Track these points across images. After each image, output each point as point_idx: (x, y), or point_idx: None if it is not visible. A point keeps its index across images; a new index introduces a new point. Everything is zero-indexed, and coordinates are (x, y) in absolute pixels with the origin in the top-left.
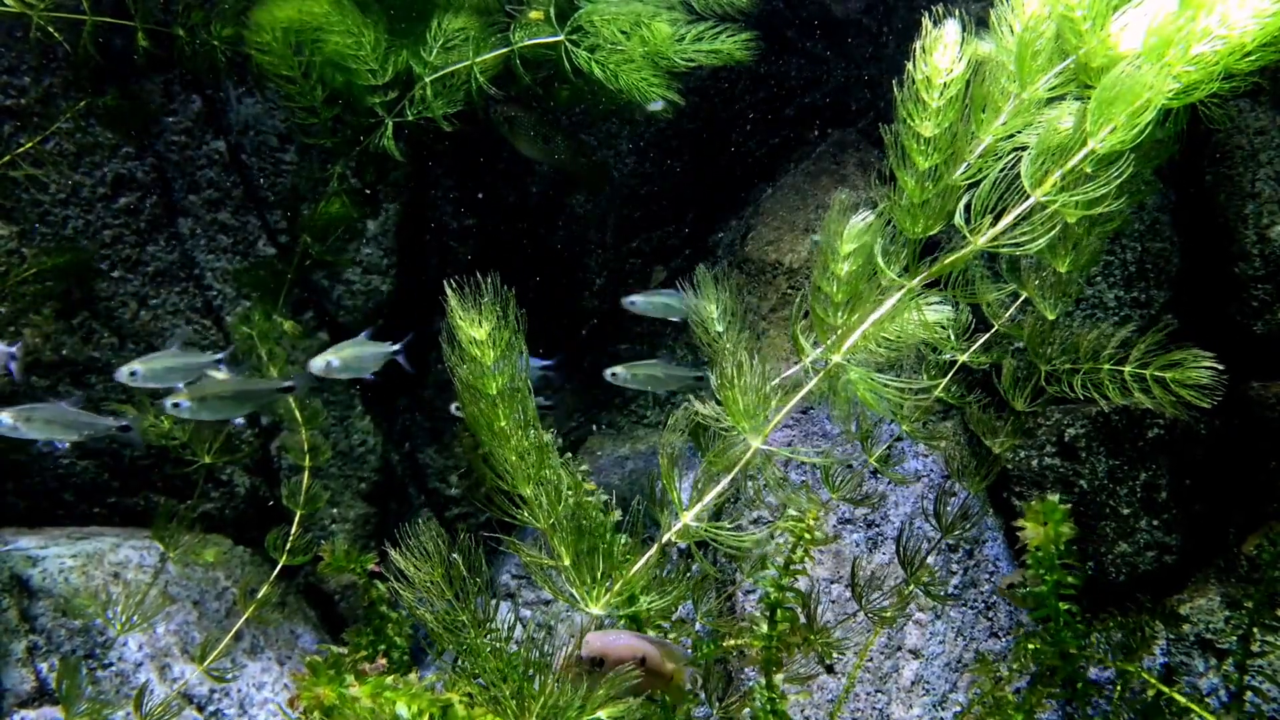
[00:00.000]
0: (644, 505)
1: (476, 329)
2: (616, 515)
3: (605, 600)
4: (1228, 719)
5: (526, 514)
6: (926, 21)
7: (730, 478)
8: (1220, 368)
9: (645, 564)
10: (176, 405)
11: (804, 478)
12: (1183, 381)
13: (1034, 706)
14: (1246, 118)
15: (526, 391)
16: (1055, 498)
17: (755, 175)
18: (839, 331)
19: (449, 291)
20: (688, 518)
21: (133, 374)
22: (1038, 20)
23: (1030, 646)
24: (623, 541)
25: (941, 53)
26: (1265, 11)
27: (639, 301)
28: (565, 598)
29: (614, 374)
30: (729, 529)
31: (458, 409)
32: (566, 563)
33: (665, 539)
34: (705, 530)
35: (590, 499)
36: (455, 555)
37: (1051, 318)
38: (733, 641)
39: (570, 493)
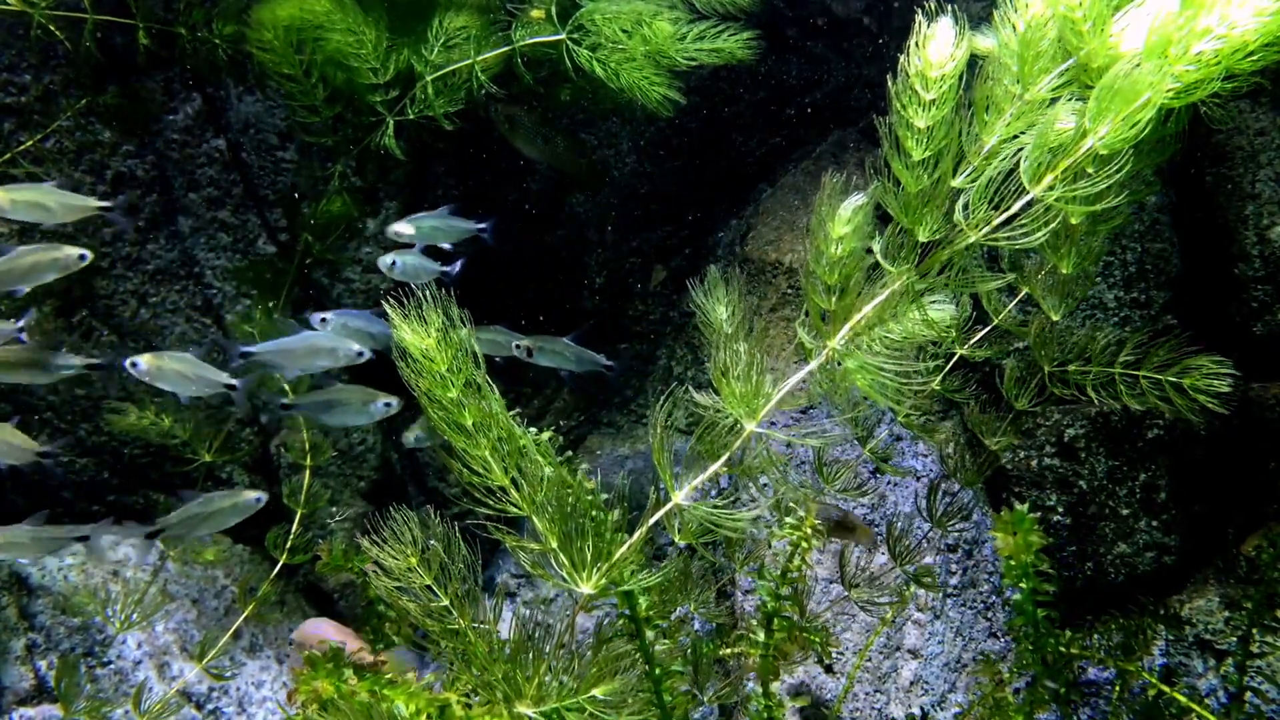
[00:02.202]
0: (641, 498)
1: (424, 339)
2: (615, 515)
3: (595, 580)
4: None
5: (505, 502)
6: (920, 17)
7: (724, 459)
8: (1238, 374)
9: (635, 542)
10: (134, 365)
11: (803, 477)
12: (1200, 388)
13: (1034, 707)
14: (1247, 118)
15: (489, 387)
16: (1024, 508)
17: (755, 175)
18: (834, 316)
19: (388, 309)
20: (678, 496)
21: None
22: (1040, 22)
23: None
24: (612, 521)
25: (935, 47)
26: (1265, 10)
27: (404, 231)
28: (554, 579)
29: (519, 345)
30: (721, 506)
31: (417, 440)
32: (554, 544)
33: (655, 517)
34: (695, 509)
35: (576, 481)
36: (433, 541)
37: (1056, 318)
38: (730, 650)
39: (551, 471)
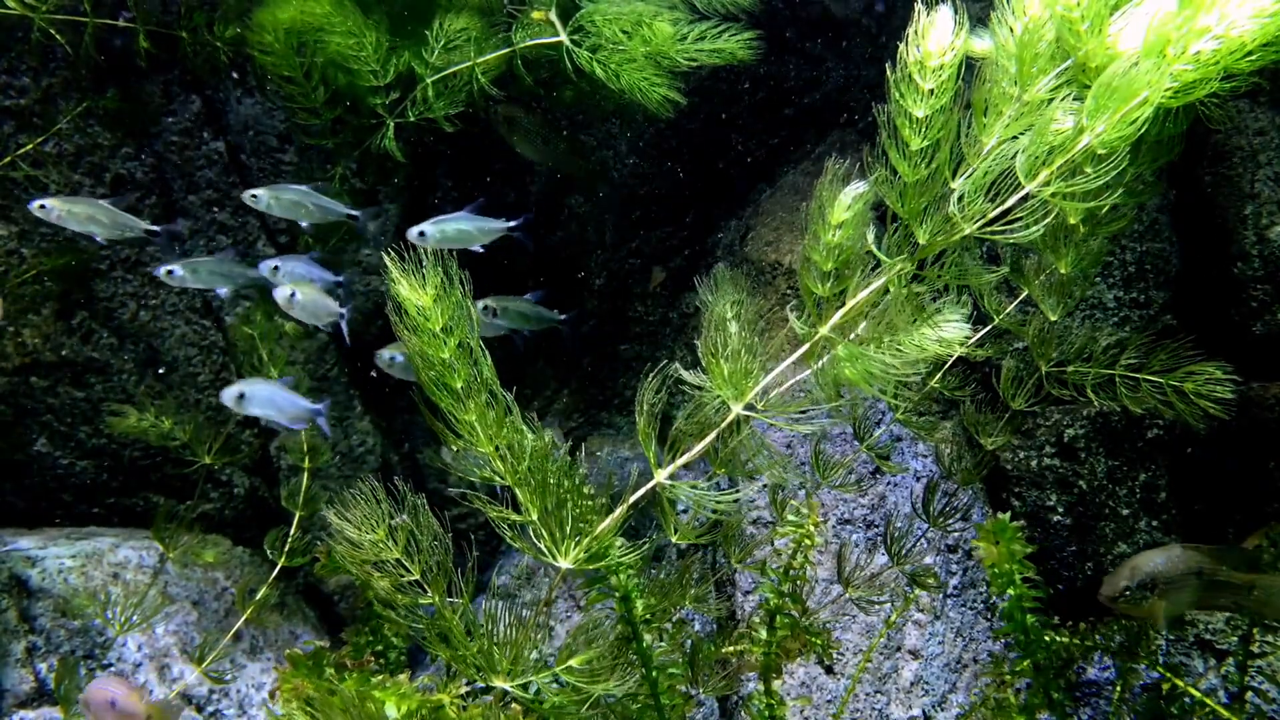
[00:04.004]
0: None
1: (421, 295)
2: (595, 491)
3: (574, 555)
4: (1239, 716)
5: (489, 471)
6: (920, 6)
7: (710, 438)
8: (1239, 379)
9: (616, 518)
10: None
11: (802, 477)
12: (1202, 393)
13: (1036, 708)
14: (1246, 118)
15: (481, 351)
16: (1006, 516)
17: (755, 176)
18: (827, 304)
19: (388, 260)
20: (661, 475)
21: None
22: (1038, 23)
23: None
24: (592, 495)
25: (935, 36)
26: (1264, 12)
27: (261, 196)
28: (534, 552)
29: (484, 306)
30: (704, 487)
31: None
32: (534, 517)
33: (639, 494)
34: (677, 487)
35: (561, 456)
36: (404, 515)
37: (1054, 319)
38: (731, 649)
39: (534, 447)
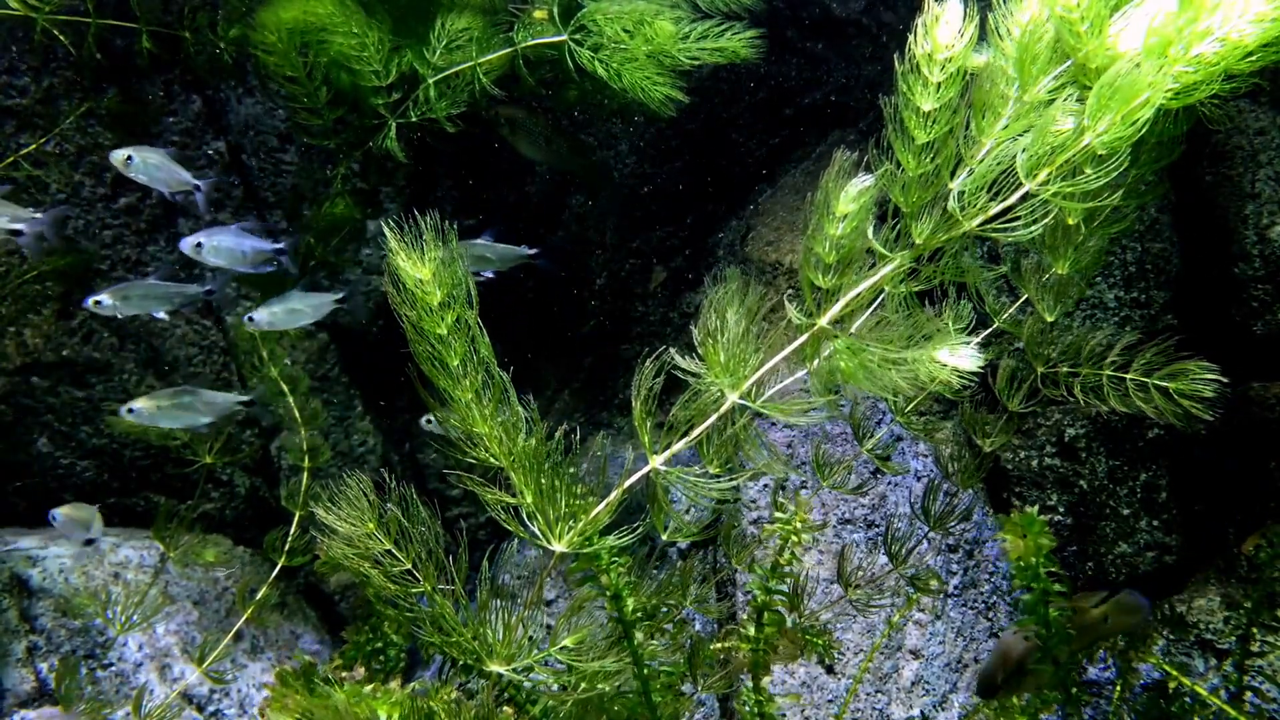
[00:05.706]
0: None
1: (420, 269)
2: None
3: (569, 538)
4: (1239, 715)
5: (483, 452)
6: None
7: (708, 423)
8: (1225, 380)
9: (610, 502)
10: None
11: (803, 477)
12: (1185, 392)
13: (1038, 709)
14: (1246, 118)
15: (479, 328)
16: (1034, 509)
17: (755, 175)
18: (826, 295)
19: (387, 231)
20: (656, 462)
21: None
22: (1037, 25)
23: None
24: (585, 494)
25: (944, 30)
26: (1266, 16)
27: (134, 158)
28: (529, 536)
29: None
30: (697, 474)
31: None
32: (529, 500)
33: (633, 479)
34: (670, 474)
35: (555, 441)
36: (391, 507)
37: (1050, 319)
38: (721, 644)
39: (529, 434)
